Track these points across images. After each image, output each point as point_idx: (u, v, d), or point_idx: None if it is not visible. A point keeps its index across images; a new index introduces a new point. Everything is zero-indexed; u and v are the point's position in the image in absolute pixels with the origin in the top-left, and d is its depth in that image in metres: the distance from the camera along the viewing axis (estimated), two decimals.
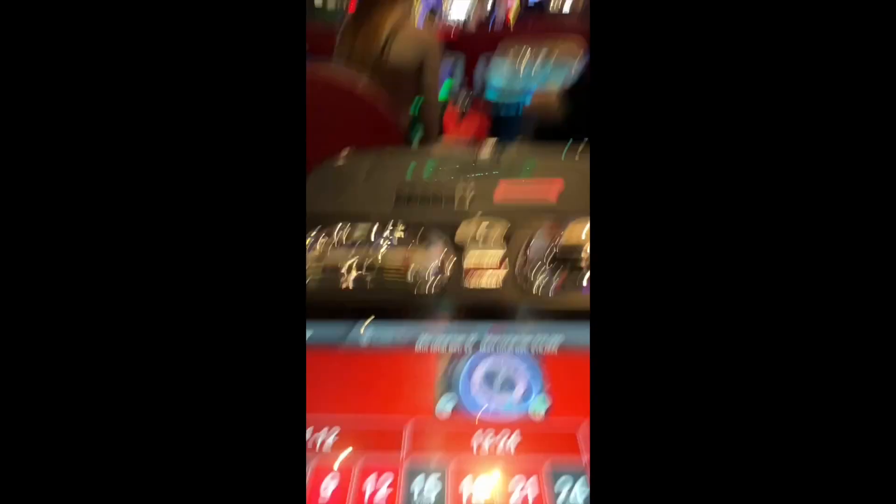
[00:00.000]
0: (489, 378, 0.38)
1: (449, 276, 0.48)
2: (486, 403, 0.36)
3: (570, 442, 0.33)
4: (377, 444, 0.33)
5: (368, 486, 0.30)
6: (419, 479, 0.31)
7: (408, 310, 0.45)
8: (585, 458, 0.32)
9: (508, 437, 0.33)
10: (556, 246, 0.49)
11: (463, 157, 0.66)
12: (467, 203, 0.58)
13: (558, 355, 0.40)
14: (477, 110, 2.02)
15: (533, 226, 0.53)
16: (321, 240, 0.52)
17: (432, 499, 0.29)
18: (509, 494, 0.30)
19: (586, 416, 0.34)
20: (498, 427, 0.34)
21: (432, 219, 0.55)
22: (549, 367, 0.38)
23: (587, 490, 0.29)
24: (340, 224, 0.53)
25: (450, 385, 0.37)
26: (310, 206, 0.56)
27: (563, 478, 0.31)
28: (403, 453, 0.32)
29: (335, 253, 0.50)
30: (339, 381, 0.38)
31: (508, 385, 0.37)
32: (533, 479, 0.31)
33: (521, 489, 0.30)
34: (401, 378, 0.38)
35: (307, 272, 0.48)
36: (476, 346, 0.41)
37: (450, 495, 0.30)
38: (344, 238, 0.52)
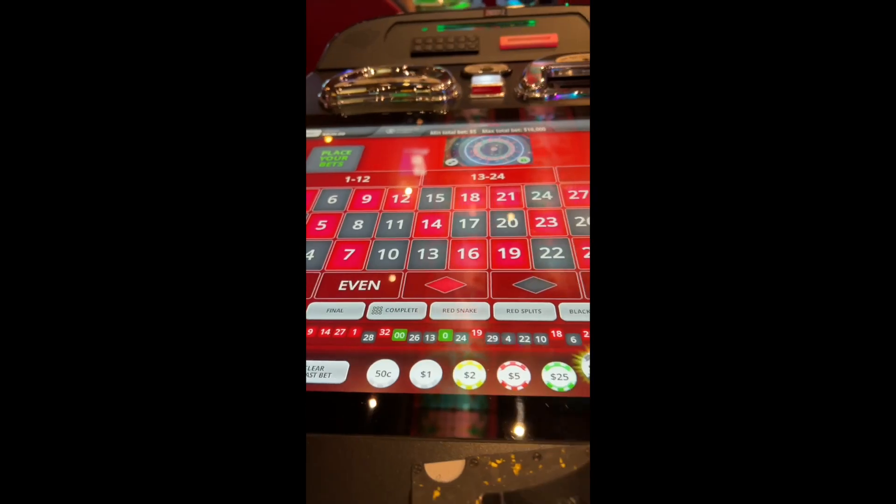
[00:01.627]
0: (486, 148, 0.51)
1: (457, 94, 0.60)
2: (482, 162, 0.49)
3: (549, 175, 0.46)
4: (402, 181, 0.47)
5: (395, 196, 0.44)
6: (431, 193, 0.44)
7: (424, 116, 0.57)
8: (559, 182, 0.45)
9: (498, 174, 0.47)
10: (551, 69, 0.60)
11: (471, 15, 0.75)
12: (476, 48, 0.69)
13: (543, 133, 0.52)
14: None
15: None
16: (354, 79, 0.63)
17: (442, 199, 0.43)
18: (496, 198, 0.43)
19: (561, 164, 0.48)
20: (488, 171, 0.47)
21: (445, 62, 0.67)
22: (535, 140, 0.51)
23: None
24: (367, 67, 0.65)
25: (454, 152, 0.50)
26: (338, 61, 0.71)
27: (535, 192, 0.44)
28: (420, 183, 0.46)
29: (365, 81, 0.62)
30: (370, 156, 0.51)
31: (501, 150, 0.50)
32: (514, 191, 0.44)
33: (506, 195, 0.44)
34: (418, 150, 0.52)
35: (346, 96, 0.61)
36: (478, 132, 0.53)
37: (454, 199, 0.43)
38: (373, 72, 0.64)
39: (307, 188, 0.46)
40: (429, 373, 0.28)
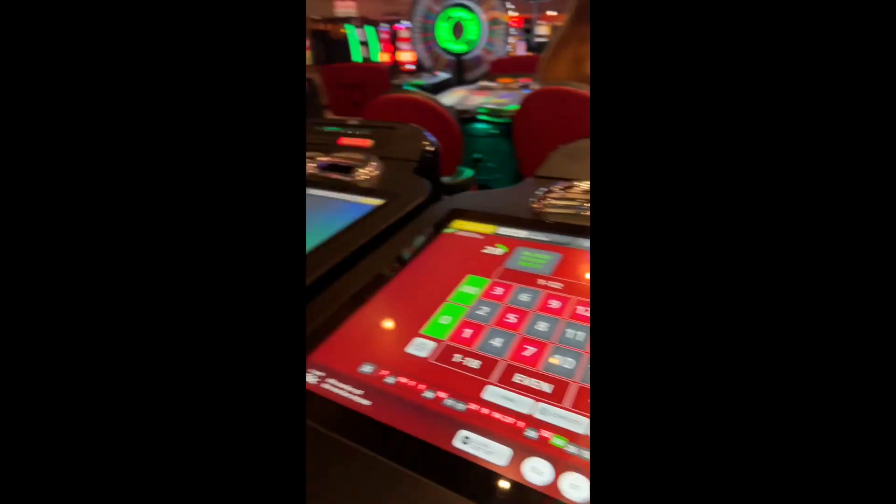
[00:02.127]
0: None
1: None
2: None
3: None
4: None
5: (581, 308, 0.47)
6: None
7: None
8: None
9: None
10: None
11: None
12: None
13: None
14: None
15: None
16: (565, 191, 0.70)
17: None
18: None
19: None
20: None
21: None
22: None
23: None
24: (577, 181, 0.72)
25: None
26: (553, 171, 0.77)
27: None
28: None
29: (574, 194, 0.69)
30: (566, 264, 0.56)
31: None
32: None
33: None
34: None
35: (555, 204, 0.68)
36: None
37: None
38: (583, 186, 0.70)
39: (504, 282, 0.52)
40: (579, 486, 0.31)
